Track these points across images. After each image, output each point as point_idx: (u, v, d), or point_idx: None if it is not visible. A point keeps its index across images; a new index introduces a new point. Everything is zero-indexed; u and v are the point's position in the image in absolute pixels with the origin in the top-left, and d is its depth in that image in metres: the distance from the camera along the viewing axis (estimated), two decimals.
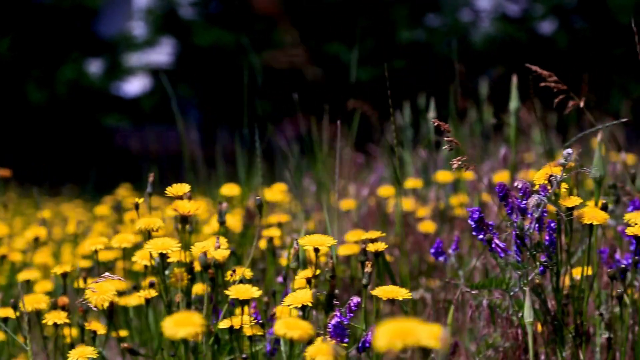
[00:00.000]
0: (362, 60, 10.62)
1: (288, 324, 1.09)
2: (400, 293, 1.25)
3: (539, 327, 1.52)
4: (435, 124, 1.41)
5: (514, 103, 2.13)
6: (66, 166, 9.07)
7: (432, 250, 1.65)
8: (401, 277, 1.89)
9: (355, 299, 1.39)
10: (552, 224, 1.41)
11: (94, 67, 11.02)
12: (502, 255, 1.43)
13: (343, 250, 1.76)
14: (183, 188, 1.25)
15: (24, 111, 10.07)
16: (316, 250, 1.26)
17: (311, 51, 10.77)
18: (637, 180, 1.77)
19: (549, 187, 1.39)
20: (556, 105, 1.65)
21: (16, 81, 10.06)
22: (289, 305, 1.25)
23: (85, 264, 1.88)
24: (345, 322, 1.33)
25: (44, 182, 7.51)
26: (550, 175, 1.34)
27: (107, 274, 1.24)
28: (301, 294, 1.25)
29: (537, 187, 1.36)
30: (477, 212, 1.41)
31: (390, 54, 10.58)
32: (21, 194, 7.13)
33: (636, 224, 1.37)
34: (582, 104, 1.59)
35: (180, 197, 1.25)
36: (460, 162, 1.34)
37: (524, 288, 1.41)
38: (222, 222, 1.68)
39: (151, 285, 1.34)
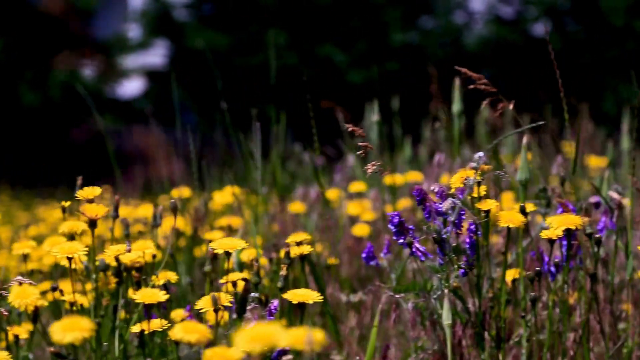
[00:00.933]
0: (355, 62, 10.65)
1: (186, 327, 1.09)
2: (311, 297, 1.26)
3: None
4: (350, 129, 1.41)
5: (456, 106, 2.13)
6: (59, 168, 9.09)
7: (364, 255, 1.66)
8: (340, 281, 1.90)
9: (275, 302, 1.40)
10: (472, 227, 1.42)
11: (88, 69, 11.04)
12: (423, 259, 1.44)
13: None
14: (94, 191, 1.25)
15: (17, 113, 10.09)
16: (227, 253, 1.27)
17: (304, 53, 10.80)
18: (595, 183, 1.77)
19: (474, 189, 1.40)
20: (484, 107, 1.65)
21: (9, 83, 10.09)
22: (200, 309, 1.26)
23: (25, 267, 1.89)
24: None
25: (37, 184, 7.54)
26: (465, 179, 1.35)
27: (19, 277, 1.24)
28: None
29: (453, 190, 1.37)
30: (397, 217, 1.42)
31: (383, 56, 10.58)
32: (13, 196, 7.15)
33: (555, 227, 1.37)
34: (511, 107, 1.60)
35: (92, 200, 1.25)
36: (375, 167, 1.35)
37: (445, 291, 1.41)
38: (156, 225, 1.69)
39: (53, 289, 1.34)
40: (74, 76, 10.50)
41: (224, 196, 2.14)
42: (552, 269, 1.59)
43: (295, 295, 1.26)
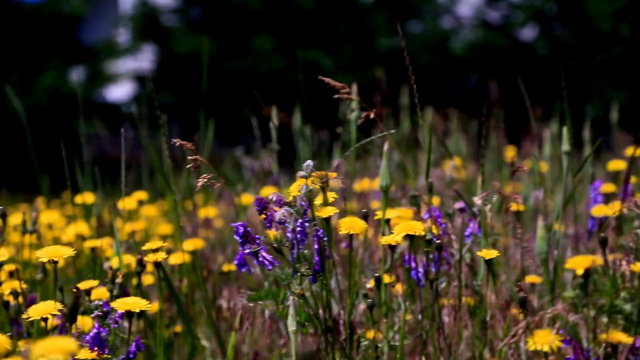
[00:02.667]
0: (341, 66, 10.65)
1: None
2: (139, 305, 1.27)
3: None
4: (177, 143, 1.42)
5: (355, 112, 2.14)
6: (46, 173, 9.11)
7: (235, 262, 1.66)
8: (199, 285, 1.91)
9: (119, 312, 1.40)
10: (319, 233, 1.42)
11: (77, 74, 11.07)
12: (270, 268, 1.44)
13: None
14: None
15: (3, 118, 10.12)
16: (54, 262, 1.28)
17: (290, 57, 10.81)
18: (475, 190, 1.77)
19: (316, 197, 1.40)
20: (348, 113, 1.66)
21: None
22: (28, 318, 1.26)
23: None
24: (104, 333, 1.34)
25: (22, 188, 7.56)
26: (301, 187, 1.35)
27: None
28: (42, 306, 1.27)
29: (290, 198, 1.37)
30: (242, 227, 1.43)
31: (369, 60, 10.59)
32: None
33: (394, 233, 1.38)
34: (372, 116, 1.61)
35: None
36: (206, 180, 1.36)
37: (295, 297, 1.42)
38: (31, 232, 1.70)
39: None
40: (61, 81, 10.53)
41: (129, 202, 2.15)
42: (420, 275, 1.60)
43: (123, 304, 1.27)
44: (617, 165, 2.11)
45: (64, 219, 2.40)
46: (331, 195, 1.42)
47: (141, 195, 2.17)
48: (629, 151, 2.18)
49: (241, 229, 1.42)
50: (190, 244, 1.87)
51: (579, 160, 3.52)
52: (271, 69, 10.53)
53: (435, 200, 2.05)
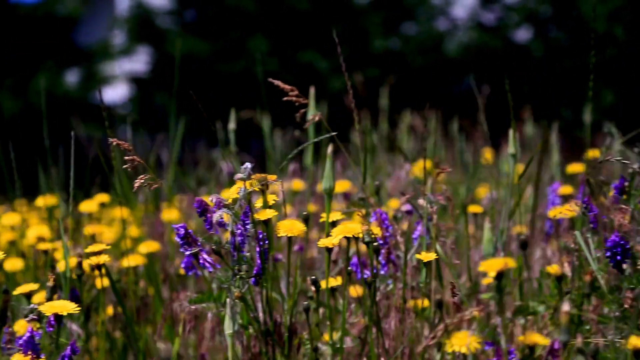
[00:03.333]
0: (336, 68, 10.65)
1: None
2: (67, 308, 1.27)
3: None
4: (114, 143, 1.43)
5: (311, 111, 2.15)
6: (33, 176, 9.12)
7: (183, 265, 1.67)
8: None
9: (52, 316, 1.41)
10: (261, 236, 1.43)
11: (72, 76, 11.09)
12: (211, 270, 1.45)
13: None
14: None
15: None
16: None
17: (285, 59, 10.81)
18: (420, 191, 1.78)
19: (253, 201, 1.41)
20: (300, 118, 1.66)
21: None
22: None
23: None
24: (38, 337, 1.35)
25: (16, 191, 7.58)
26: (240, 189, 1.36)
27: None
28: None
29: (230, 201, 1.38)
30: (183, 229, 1.43)
31: (364, 62, 10.59)
32: None
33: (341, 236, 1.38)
34: (317, 118, 1.61)
35: None
36: (142, 181, 1.36)
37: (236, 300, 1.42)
38: None
39: None
40: (55, 83, 10.54)
41: (89, 205, 2.16)
42: (365, 276, 1.60)
43: (51, 307, 1.28)
44: (575, 168, 2.12)
45: (30, 221, 2.41)
46: (272, 198, 1.43)
47: (103, 197, 2.18)
48: (590, 154, 2.18)
49: (182, 231, 1.43)
50: (145, 247, 1.88)
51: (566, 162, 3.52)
52: (266, 71, 10.53)
53: (394, 203, 2.06)
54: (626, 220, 1.46)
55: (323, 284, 1.53)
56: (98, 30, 11.59)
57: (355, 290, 1.61)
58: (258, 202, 1.43)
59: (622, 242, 1.41)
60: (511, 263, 1.05)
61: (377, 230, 1.51)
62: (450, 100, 9.03)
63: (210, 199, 1.38)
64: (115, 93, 11.42)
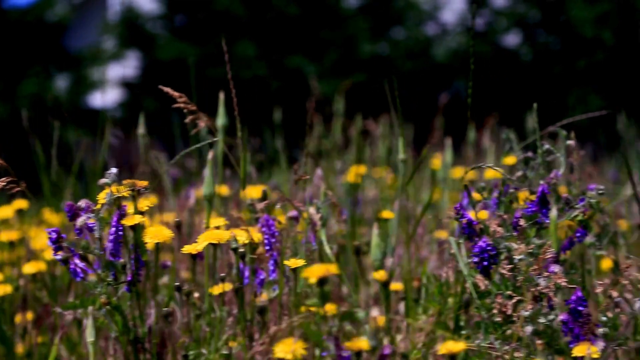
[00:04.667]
0: (324, 73, 10.66)
1: None
2: None
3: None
4: None
5: (220, 119, 2.15)
6: (30, 181, 9.15)
7: (71, 269, 1.67)
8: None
9: None
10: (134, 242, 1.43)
11: (61, 81, 11.12)
12: (82, 276, 1.45)
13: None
14: None
15: None
16: None
17: (273, 64, 10.82)
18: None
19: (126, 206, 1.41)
20: (190, 125, 1.67)
21: None
22: None
23: None
24: None
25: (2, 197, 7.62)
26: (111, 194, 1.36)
27: None
28: None
29: (99, 205, 1.38)
30: (55, 233, 1.44)
31: (352, 67, 10.60)
32: None
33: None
34: (203, 124, 1.62)
35: None
36: (5, 184, 1.37)
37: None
38: None
39: None
40: (45, 88, 10.57)
41: (5, 211, 2.16)
42: (257, 282, 1.60)
43: None
44: (492, 173, 2.11)
45: None
46: (145, 203, 1.44)
47: (21, 204, 2.18)
48: (506, 160, 2.19)
49: (54, 235, 1.43)
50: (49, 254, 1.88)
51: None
52: (254, 76, 10.56)
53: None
54: (498, 226, 1.46)
55: (217, 290, 1.53)
56: (88, 35, 11.63)
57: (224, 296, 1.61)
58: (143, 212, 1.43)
59: (488, 248, 1.41)
60: (333, 269, 1.06)
61: (257, 237, 1.51)
62: (439, 105, 9.02)
63: (79, 204, 1.39)
64: (106, 98, 11.45)
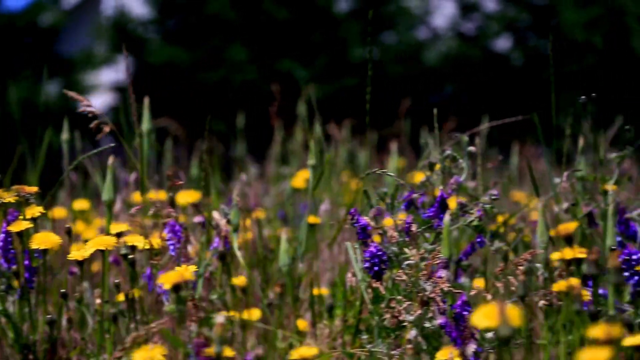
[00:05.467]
0: (315, 77, 10.67)
1: None
2: None
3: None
4: None
5: (145, 125, 2.15)
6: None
7: None
8: None
9: None
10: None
11: (53, 85, 11.14)
12: None
13: None
14: None
15: None
16: None
17: (264, 68, 10.83)
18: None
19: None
20: (94, 130, 1.67)
21: None
22: None
23: None
24: None
25: None
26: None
27: None
28: None
29: None
30: None
31: (342, 71, 10.61)
32: None
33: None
34: (107, 129, 1.62)
35: None
36: None
37: None
38: None
39: None
40: (35, 92, 10.59)
41: None
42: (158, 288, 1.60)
43: None
44: (419, 177, 2.11)
45: None
46: (37, 210, 1.44)
47: None
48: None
49: None
50: None
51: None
52: (245, 80, 10.57)
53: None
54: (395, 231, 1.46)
55: (120, 297, 1.53)
56: (81, 40, 11.65)
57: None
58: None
59: (379, 253, 1.41)
60: (188, 275, 1.06)
61: (156, 242, 1.51)
62: (430, 110, 9.01)
63: None
64: (97, 102, 11.46)
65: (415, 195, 1.57)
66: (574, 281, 1.05)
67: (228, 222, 1.62)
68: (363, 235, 1.46)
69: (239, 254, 1.65)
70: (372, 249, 1.41)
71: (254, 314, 1.49)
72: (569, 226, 1.07)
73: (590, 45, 10.27)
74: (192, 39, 10.86)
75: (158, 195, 2.20)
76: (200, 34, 10.84)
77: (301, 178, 2.70)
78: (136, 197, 2.17)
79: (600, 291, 1.47)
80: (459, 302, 1.36)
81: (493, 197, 1.47)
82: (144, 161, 1.54)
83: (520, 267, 1.19)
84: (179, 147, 3.83)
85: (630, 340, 0.99)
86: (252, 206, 2.51)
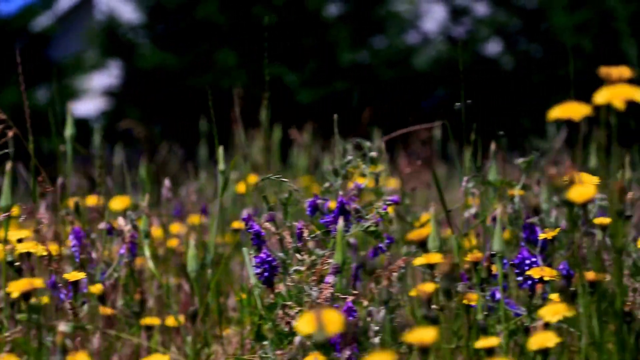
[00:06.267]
0: (306, 82, 10.68)
1: None
2: None
3: None
4: None
5: (68, 130, 2.15)
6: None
7: None
8: None
9: None
10: None
11: (43, 90, 11.16)
12: None
13: None
14: None
15: None
16: None
17: (253, 73, 10.84)
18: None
19: None
20: None
21: None
22: None
23: None
24: None
25: None
26: None
27: None
28: None
29: None
30: None
31: (332, 75, 10.61)
32: None
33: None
34: (11, 134, 1.62)
35: None
36: None
37: None
38: None
39: None
40: (26, 97, 10.60)
41: None
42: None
43: None
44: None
45: None
46: None
47: None
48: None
49: None
50: None
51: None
52: (234, 84, 10.56)
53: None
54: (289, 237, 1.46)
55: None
56: (73, 44, 11.68)
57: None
58: None
59: (269, 259, 1.41)
60: (38, 283, 1.06)
61: (54, 248, 1.51)
62: (422, 114, 9.03)
63: None
64: (87, 107, 11.49)
65: (319, 201, 1.57)
66: (428, 287, 1.05)
67: (134, 227, 1.62)
68: (257, 241, 1.46)
69: (150, 261, 1.65)
70: (262, 255, 1.41)
71: (154, 321, 1.49)
72: (422, 231, 1.07)
73: (579, 49, 10.26)
74: (182, 44, 10.88)
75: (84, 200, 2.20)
76: (190, 38, 10.85)
77: (245, 184, 2.70)
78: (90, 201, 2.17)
79: (498, 296, 1.47)
80: (345, 308, 1.36)
81: (388, 203, 1.47)
82: (34, 168, 1.54)
83: (394, 273, 1.19)
84: (138, 151, 3.84)
85: (480, 343, 0.99)
86: (202, 211, 2.51)
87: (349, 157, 1.54)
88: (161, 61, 10.73)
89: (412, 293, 1.14)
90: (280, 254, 1.39)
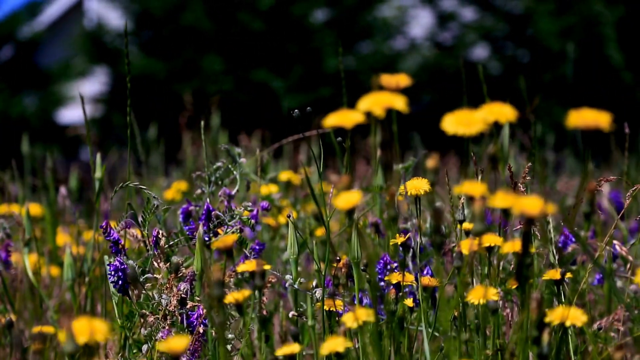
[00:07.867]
0: (291, 87, 10.67)
1: None
2: None
3: None
4: None
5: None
6: None
7: None
8: None
9: None
10: None
11: (30, 97, 11.18)
12: None
13: None
14: None
15: None
16: None
17: (239, 78, 10.83)
18: None
19: None
20: None
21: None
22: None
23: None
24: None
25: None
26: None
27: None
28: None
29: None
30: None
31: (318, 81, 10.60)
32: None
33: None
34: None
35: None
36: None
37: None
38: None
39: None
40: (11, 104, 10.62)
41: None
42: None
43: None
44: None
45: None
46: None
47: None
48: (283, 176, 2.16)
49: None
50: None
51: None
52: (220, 90, 10.56)
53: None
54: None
55: None
56: (60, 51, 11.69)
57: None
58: None
59: (122, 267, 1.39)
60: None
61: None
62: (411, 119, 9.00)
63: None
64: (74, 114, 11.50)
65: (192, 208, 1.56)
66: (245, 293, 1.04)
67: (8, 236, 1.61)
68: (116, 248, 1.44)
69: (30, 273, 1.64)
70: (116, 262, 1.40)
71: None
72: (227, 239, 1.05)
73: (564, 54, 10.24)
74: (168, 50, 10.88)
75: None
76: (176, 45, 10.86)
77: (174, 190, 2.68)
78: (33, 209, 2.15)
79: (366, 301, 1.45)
80: (194, 315, 1.34)
81: (248, 209, 1.45)
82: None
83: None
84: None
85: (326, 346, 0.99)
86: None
87: (218, 164, 1.52)
88: (147, 67, 10.73)
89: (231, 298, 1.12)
90: (131, 262, 1.37)
